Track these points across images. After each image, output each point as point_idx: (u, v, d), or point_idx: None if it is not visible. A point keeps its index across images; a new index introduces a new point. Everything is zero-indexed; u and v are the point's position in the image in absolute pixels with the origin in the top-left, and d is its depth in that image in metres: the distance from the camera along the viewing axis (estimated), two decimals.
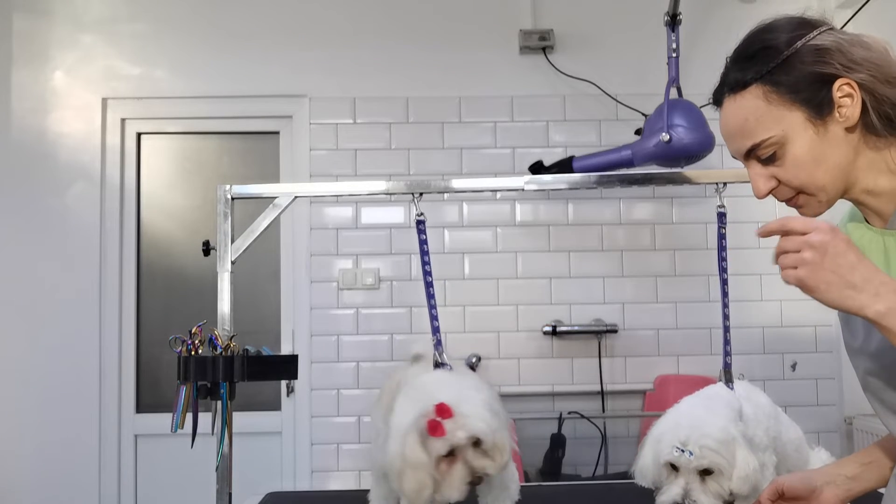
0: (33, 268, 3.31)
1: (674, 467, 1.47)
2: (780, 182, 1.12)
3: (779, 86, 1.07)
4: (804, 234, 0.97)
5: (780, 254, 0.99)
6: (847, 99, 1.06)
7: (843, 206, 1.21)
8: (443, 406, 1.43)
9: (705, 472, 1.45)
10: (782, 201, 1.15)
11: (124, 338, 3.39)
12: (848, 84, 1.06)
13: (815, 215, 1.13)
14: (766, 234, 1.03)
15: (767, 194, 1.13)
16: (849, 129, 1.08)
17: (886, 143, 1.10)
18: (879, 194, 1.11)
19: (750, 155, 1.12)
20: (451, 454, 1.43)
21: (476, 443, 1.43)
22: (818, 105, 1.07)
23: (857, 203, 1.16)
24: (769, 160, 1.11)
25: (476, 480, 1.44)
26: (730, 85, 1.12)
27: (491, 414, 1.46)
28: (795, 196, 1.13)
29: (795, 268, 0.97)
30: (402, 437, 1.44)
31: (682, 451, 1.43)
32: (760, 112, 1.08)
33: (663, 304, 3.38)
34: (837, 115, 1.07)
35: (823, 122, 1.07)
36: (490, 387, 1.63)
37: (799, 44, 1.07)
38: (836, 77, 1.06)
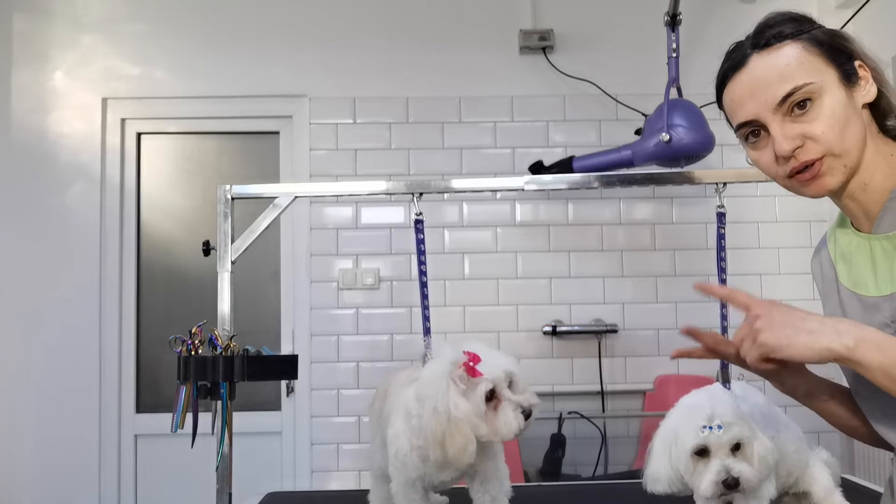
0: (33, 268, 3.31)
1: (701, 454, 1.43)
2: (805, 140, 1.08)
3: (817, 43, 1.10)
4: (747, 307, 1.06)
5: (739, 347, 1.06)
6: (865, 77, 1.11)
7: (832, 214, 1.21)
8: (470, 353, 1.45)
9: (735, 449, 1.42)
10: (799, 168, 1.09)
11: (124, 338, 3.39)
12: (863, 66, 1.12)
13: (832, 187, 1.10)
14: (707, 291, 1.15)
15: (792, 152, 1.08)
16: (865, 107, 1.12)
17: (885, 141, 1.14)
18: (872, 191, 1.12)
19: (782, 104, 1.09)
20: (493, 396, 1.44)
21: (509, 385, 1.45)
22: (847, 73, 1.10)
23: (848, 202, 1.15)
24: (799, 112, 1.08)
25: (528, 412, 1.43)
26: (765, 40, 1.11)
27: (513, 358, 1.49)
28: (819, 160, 1.08)
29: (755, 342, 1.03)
30: (437, 396, 1.41)
31: (711, 427, 1.40)
32: (803, 59, 1.09)
33: (663, 304, 3.38)
34: (861, 86, 1.11)
35: (850, 89, 1.10)
36: None
37: (819, 23, 1.14)
38: (855, 56, 1.12)
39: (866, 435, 1.24)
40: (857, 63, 1.11)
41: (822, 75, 1.09)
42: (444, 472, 1.53)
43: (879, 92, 1.12)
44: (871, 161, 1.12)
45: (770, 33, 1.11)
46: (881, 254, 1.11)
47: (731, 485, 1.39)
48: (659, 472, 1.50)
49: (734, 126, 1.16)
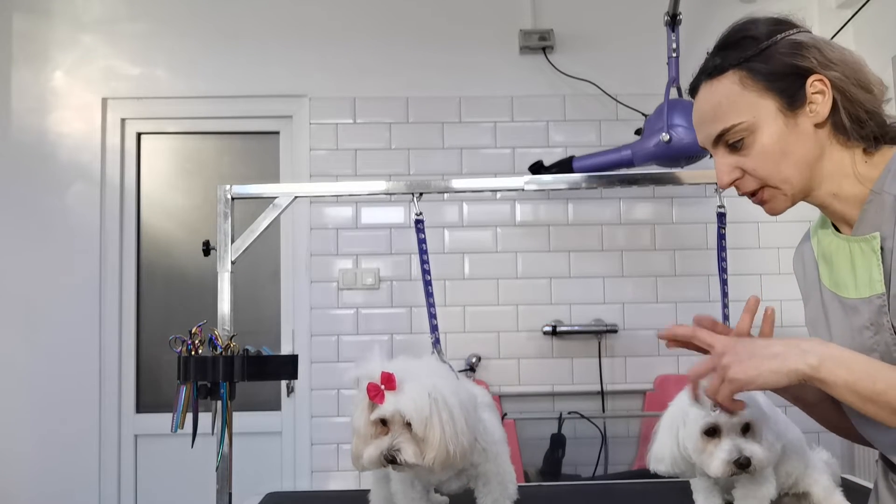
0: (33, 268, 3.31)
1: (711, 434, 1.42)
2: (744, 173, 1.12)
3: (755, 73, 1.09)
4: (711, 346, 1.06)
5: (711, 391, 1.05)
6: (819, 95, 1.08)
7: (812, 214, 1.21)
8: (389, 375, 1.41)
9: (745, 430, 1.41)
10: (744, 194, 1.15)
11: (124, 338, 3.39)
12: (821, 80, 1.08)
13: (780, 211, 1.14)
14: (670, 337, 1.14)
15: (730, 184, 1.13)
16: (818, 126, 1.09)
17: (852, 146, 1.11)
18: (844, 199, 1.12)
19: (718, 142, 1.13)
20: (384, 424, 1.42)
21: (409, 426, 1.40)
22: (791, 97, 1.09)
23: (823, 207, 1.16)
24: (736, 148, 1.11)
25: (390, 458, 1.39)
26: (708, 71, 1.14)
27: (436, 408, 1.40)
28: (760, 190, 1.13)
29: (723, 382, 1.02)
30: (356, 398, 1.46)
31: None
32: (735, 96, 1.10)
33: (663, 304, 3.38)
34: (808, 109, 1.09)
35: (794, 114, 1.09)
36: (475, 395, 1.59)
37: (778, 36, 1.10)
38: (810, 72, 1.08)
39: (854, 434, 1.25)
40: (811, 80, 1.07)
41: (755, 111, 1.09)
42: (435, 472, 1.53)
43: (846, 97, 1.08)
44: (834, 171, 1.11)
45: (712, 63, 1.13)
46: (860, 256, 1.10)
47: (742, 464, 1.39)
48: (663, 452, 1.49)
49: None
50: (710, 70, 1.13)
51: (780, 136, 1.09)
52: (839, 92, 1.08)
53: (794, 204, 1.14)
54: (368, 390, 1.40)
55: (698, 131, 1.16)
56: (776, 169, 1.10)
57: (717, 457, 1.40)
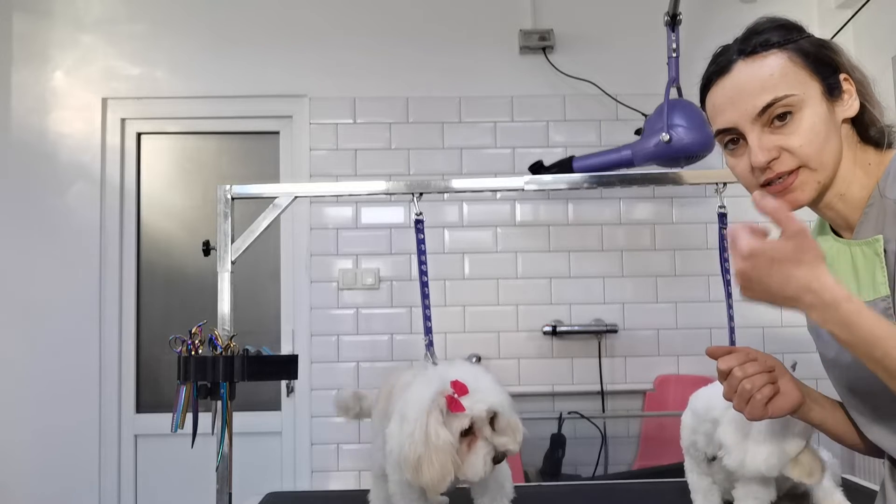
0: (33, 268, 3.31)
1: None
2: (781, 152, 1.07)
3: (803, 54, 1.09)
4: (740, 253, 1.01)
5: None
6: (849, 92, 1.11)
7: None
8: (458, 383, 1.42)
9: None
10: (773, 179, 1.09)
11: (124, 338, 3.39)
12: (848, 80, 1.11)
13: (804, 202, 1.10)
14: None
15: (767, 164, 1.07)
16: (845, 122, 1.11)
17: (863, 149, 1.13)
18: (849, 201, 1.12)
19: (761, 115, 1.07)
20: (470, 433, 1.42)
21: (492, 421, 1.43)
22: (831, 86, 1.10)
23: (827, 209, 1.14)
24: (777, 126, 1.07)
25: (499, 457, 1.42)
26: (751, 47, 1.09)
27: (504, 392, 1.46)
28: (794, 172, 1.08)
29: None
30: (417, 421, 1.39)
31: None
32: (787, 69, 1.08)
33: (663, 304, 3.38)
34: (844, 101, 1.10)
35: (832, 103, 1.10)
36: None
37: (808, 32, 1.12)
38: (841, 69, 1.11)
39: (864, 447, 1.24)
40: (842, 76, 1.10)
41: (804, 88, 1.07)
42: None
43: (862, 105, 1.11)
44: (848, 172, 1.11)
45: (757, 40, 1.10)
46: (862, 259, 1.10)
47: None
48: (772, 460, 1.43)
49: (714, 131, 1.15)
50: (753, 48, 1.09)
51: (825, 119, 1.08)
52: (859, 94, 1.11)
53: (817, 196, 1.10)
54: (449, 403, 1.40)
55: (733, 108, 1.09)
56: (819, 151, 1.07)
57: (816, 466, 1.43)
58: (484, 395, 1.42)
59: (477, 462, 1.41)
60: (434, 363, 1.73)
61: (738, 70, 1.10)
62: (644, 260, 3.40)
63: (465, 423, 1.40)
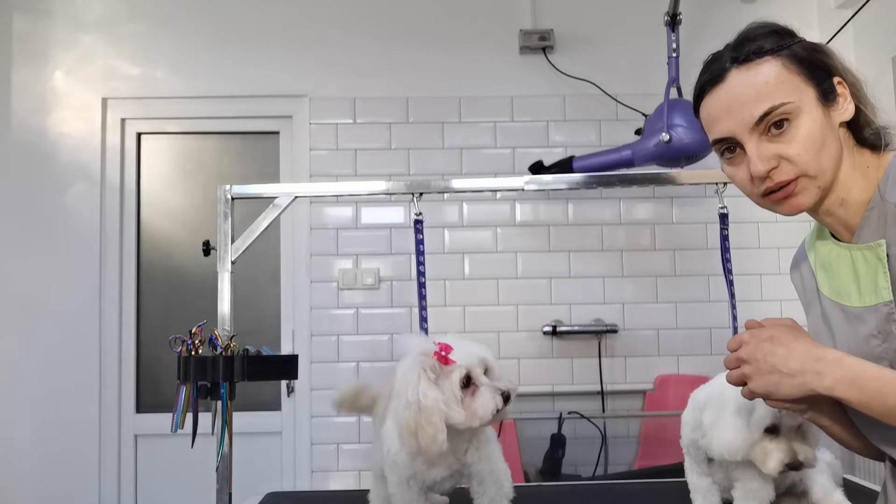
0: (33, 267, 3.31)
1: (770, 431, 1.43)
2: (780, 161, 1.07)
3: (796, 60, 1.08)
4: (733, 350, 1.10)
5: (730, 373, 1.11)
6: (843, 95, 1.10)
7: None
8: (442, 343, 1.47)
9: (797, 429, 1.43)
10: (773, 189, 1.08)
11: (124, 338, 3.39)
12: (841, 83, 1.10)
13: (805, 207, 1.09)
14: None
15: (766, 173, 1.07)
16: (841, 125, 1.11)
17: (861, 152, 1.13)
18: (849, 205, 1.11)
19: (758, 125, 1.07)
20: (470, 384, 1.45)
21: (485, 374, 1.46)
22: (825, 91, 1.09)
23: (825, 217, 1.14)
24: (774, 134, 1.06)
25: (507, 396, 1.45)
26: (744, 55, 1.09)
27: (487, 348, 1.50)
28: (793, 181, 1.07)
29: (745, 384, 1.09)
30: (408, 386, 1.43)
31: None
32: (782, 77, 1.07)
33: (663, 304, 3.38)
34: (839, 104, 1.10)
35: (828, 108, 1.09)
36: None
37: (800, 37, 1.12)
38: (834, 72, 1.10)
39: (868, 451, 1.24)
40: (836, 80, 1.10)
41: (799, 94, 1.07)
42: (434, 469, 1.54)
43: (857, 108, 1.11)
44: (848, 177, 1.11)
45: (750, 48, 1.09)
46: (863, 264, 1.09)
47: (794, 467, 1.43)
48: (736, 439, 1.46)
49: (710, 140, 1.15)
50: (746, 55, 1.08)
51: (822, 125, 1.07)
52: (855, 99, 1.11)
53: (819, 201, 1.10)
54: (438, 357, 1.44)
55: (729, 117, 1.09)
56: (817, 157, 1.06)
57: (775, 457, 1.42)
58: (470, 349, 1.47)
59: (486, 399, 1.43)
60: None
61: (732, 79, 1.09)
62: (644, 260, 3.40)
63: (462, 373, 1.44)
